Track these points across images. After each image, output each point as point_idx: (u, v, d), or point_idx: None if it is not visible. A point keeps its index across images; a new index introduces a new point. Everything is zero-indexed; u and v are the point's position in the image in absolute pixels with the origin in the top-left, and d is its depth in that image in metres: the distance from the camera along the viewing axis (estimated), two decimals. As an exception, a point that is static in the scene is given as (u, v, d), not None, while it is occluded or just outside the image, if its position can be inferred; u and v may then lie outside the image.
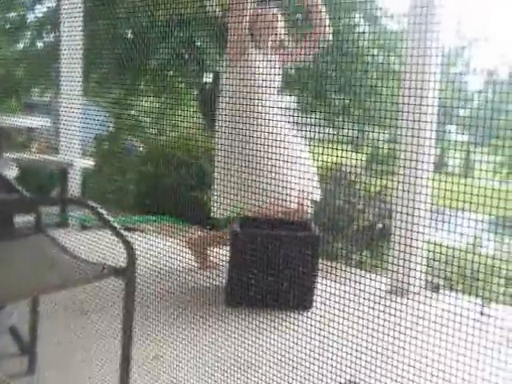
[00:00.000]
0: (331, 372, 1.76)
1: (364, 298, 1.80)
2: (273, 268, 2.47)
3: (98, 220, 1.86)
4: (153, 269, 2.53)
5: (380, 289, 1.92)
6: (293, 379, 1.93)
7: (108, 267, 1.77)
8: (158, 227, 3.52)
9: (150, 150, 4.75)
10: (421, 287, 2.04)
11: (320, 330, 1.88)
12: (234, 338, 2.15)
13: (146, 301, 2.48)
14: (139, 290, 2.16)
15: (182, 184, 3.85)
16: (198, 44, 4.66)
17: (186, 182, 3.83)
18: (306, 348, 1.88)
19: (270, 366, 2.05)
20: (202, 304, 2.60)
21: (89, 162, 4.44)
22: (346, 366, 1.75)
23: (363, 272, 2.09)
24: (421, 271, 1.91)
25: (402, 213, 1.77)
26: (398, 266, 1.76)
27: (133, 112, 3.64)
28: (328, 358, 1.78)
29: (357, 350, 1.75)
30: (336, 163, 2.00)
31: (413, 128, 1.78)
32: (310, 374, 1.83)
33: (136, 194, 4.76)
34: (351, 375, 1.75)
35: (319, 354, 1.82)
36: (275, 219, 2.69)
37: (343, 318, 1.78)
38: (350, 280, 1.86)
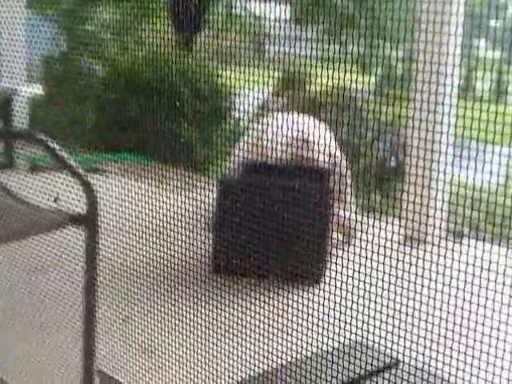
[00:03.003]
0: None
1: (373, 252, 1.84)
2: (272, 227, 2.47)
3: (50, 158, 1.87)
4: (120, 220, 2.55)
5: (392, 240, 1.94)
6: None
7: (65, 214, 1.78)
8: (125, 167, 3.53)
9: (111, 73, 4.73)
10: (441, 236, 2.05)
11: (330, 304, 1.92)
12: (219, 309, 2.22)
13: (113, 256, 2.48)
14: (104, 243, 2.29)
15: (154, 114, 3.83)
16: None
17: (157, 112, 3.81)
18: (311, 328, 1.95)
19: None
20: (182, 267, 2.59)
21: (37, 89, 4.47)
22: (358, 327, 1.82)
23: (372, 220, 2.11)
24: (441, 217, 1.93)
25: (418, 147, 1.77)
26: (414, 211, 1.81)
27: (89, 26, 3.63)
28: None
29: (367, 312, 1.81)
30: (339, 87, 1.98)
31: (433, 42, 1.77)
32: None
33: (96, 126, 4.79)
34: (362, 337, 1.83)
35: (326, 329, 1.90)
36: (278, 164, 2.71)
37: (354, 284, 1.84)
38: (355, 230, 1.88)
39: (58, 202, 1.82)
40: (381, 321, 1.79)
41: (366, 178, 2.63)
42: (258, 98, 2.58)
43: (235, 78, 2.55)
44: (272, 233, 2.46)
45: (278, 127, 2.57)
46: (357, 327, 1.82)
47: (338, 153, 3.06)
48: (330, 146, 2.85)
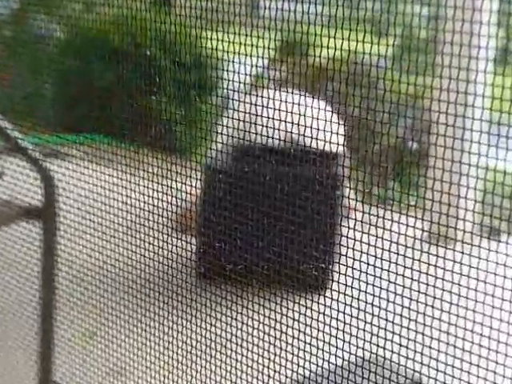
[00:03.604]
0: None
1: (390, 251, 1.87)
2: (269, 223, 2.46)
3: (1, 140, 1.87)
4: (85, 214, 2.58)
5: (415, 236, 1.97)
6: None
7: (18, 207, 1.77)
8: (92, 151, 3.46)
9: (73, 36, 4.70)
10: (472, 233, 2.04)
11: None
12: (205, 321, 2.27)
13: (75, 258, 2.52)
14: (65, 242, 2.35)
15: (126, 88, 3.82)
16: None
17: (130, 84, 3.80)
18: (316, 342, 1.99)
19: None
20: (160, 271, 2.63)
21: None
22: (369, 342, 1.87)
23: (390, 213, 2.13)
24: (473, 210, 1.95)
25: (445, 124, 1.78)
26: (440, 202, 1.82)
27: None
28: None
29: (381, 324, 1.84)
30: (351, 54, 2.01)
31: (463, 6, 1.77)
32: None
33: (56, 101, 4.80)
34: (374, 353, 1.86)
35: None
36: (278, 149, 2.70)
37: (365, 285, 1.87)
38: (370, 225, 1.93)
39: (3, 177, 1.82)
40: (395, 335, 1.83)
41: (381, 164, 2.63)
42: (251, 70, 2.58)
43: (224, 43, 2.56)
44: (269, 229, 2.45)
45: (274, 105, 2.58)
46: (364, 341, 1.89)
47: (342, 138, 3.05)
48: (335, 129, 2.84)
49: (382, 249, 1.92)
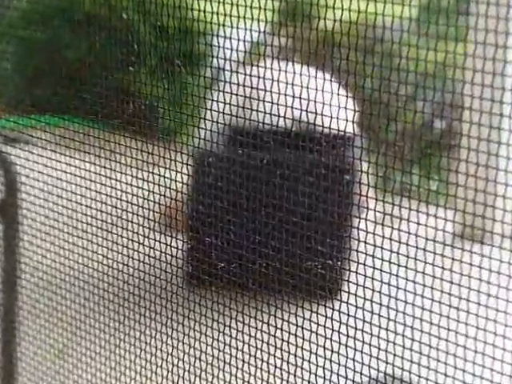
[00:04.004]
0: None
1: (417, 247, 1.88)
2: (269, 217, 2.44)
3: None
4: (50, 210, 2.57)
5: (444, 230, 1.96)
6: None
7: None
8: (60, 135, 3.33)
9: (38, 2, 4.62)
10: (503, 235, 2.02)
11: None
12: (196, 331, 2.27)
13: (40, 259, 2.50)
14: (29, 240, 2.36)
15: (101, 61, 3.79)
16: None
17: (104, 54, 3.77)
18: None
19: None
20: (142, 275, 2.62)
21: None
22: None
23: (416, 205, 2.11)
24: (502, 207, 1.90)
25: (481, 97, 1.74)
26: (475, 190, 1.79)
27: None
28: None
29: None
30: (367, 17, 2.01)
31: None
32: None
33: (16, 76, 4.77)
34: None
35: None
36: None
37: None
38: (392, 217, 1.95)
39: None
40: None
41: (399, 145, 2.63)
42: (245, 35, 2.59)
43: (214, 4, 2.54)
44: (269, 222, 2.44)
45: (273, 77, 2.57)
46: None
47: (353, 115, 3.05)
48: (344, 104, 2.78)
49: (400, 242, 1.93)
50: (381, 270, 1.91)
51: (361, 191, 2.41)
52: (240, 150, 2.67)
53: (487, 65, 1.77)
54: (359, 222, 2.06)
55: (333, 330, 2.01)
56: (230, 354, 2.21)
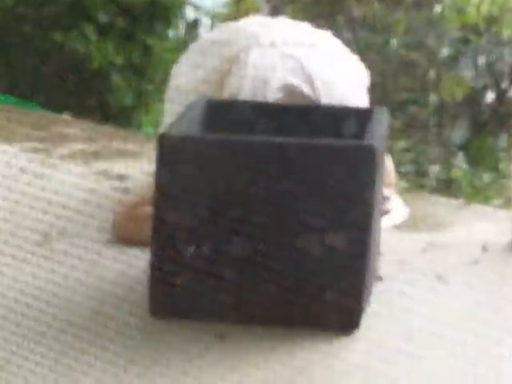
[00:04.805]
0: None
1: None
2: (260, 222, 2.22)
3: None
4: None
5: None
6: None
7: None
8: None
9: None
10: None
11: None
12: (161, 376, 2.00)
13: None
14: None
15: (35, 19, 3.66)
16: None
17: (41, 14, 3.54)
18: None
19: None
20: (96, 302, 2.38)
21: None
22: None
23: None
24: None
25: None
26: None
27: None
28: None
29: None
30: None
31: None
32: None
33: None
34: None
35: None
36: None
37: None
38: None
39: None
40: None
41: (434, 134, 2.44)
42: None
43: None
44: (261, 229, 2.25)
45: (259, 45, 2.61)
46: None
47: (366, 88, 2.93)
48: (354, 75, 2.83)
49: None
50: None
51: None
52: (219, 132, 2.42)
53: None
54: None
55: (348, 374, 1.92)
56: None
